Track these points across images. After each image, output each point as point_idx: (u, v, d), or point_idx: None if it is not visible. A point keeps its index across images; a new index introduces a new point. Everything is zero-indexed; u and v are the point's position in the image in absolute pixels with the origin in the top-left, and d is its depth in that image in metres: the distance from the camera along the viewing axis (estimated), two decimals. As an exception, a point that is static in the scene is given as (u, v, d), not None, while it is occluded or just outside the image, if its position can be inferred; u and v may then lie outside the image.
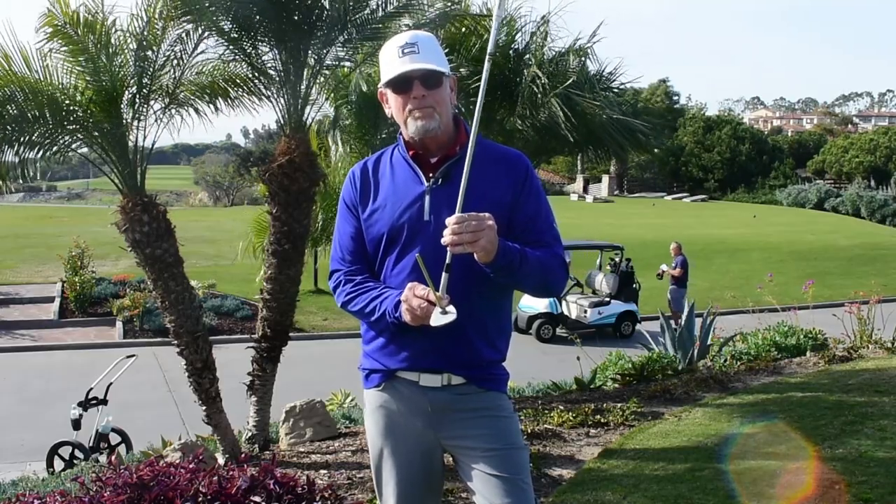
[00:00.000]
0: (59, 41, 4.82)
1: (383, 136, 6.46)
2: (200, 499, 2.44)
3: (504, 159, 2.31)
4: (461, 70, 6.22)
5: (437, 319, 2.06)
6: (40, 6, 4.74)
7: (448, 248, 2.04)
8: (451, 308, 2.07)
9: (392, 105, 2.27)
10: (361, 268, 2.33)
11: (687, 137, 49.27)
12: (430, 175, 2.25)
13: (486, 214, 2.05)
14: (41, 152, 5.04)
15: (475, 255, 2.06)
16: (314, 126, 7.92)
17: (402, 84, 2.20)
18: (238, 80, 5.70)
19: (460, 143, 2.28)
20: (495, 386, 2.31)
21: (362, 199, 2.33)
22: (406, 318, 2.11)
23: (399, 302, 2.14)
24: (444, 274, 2.07)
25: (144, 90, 5.05)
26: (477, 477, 2.26)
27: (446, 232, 2.03)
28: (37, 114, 4.87)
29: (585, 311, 14.63)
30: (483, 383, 2.29)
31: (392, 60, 2.21)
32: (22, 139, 4.89)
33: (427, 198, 2.23)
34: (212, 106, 5.70)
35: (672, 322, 14.31)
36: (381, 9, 5.47)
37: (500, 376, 2.34)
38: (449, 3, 5.91)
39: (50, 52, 4.82)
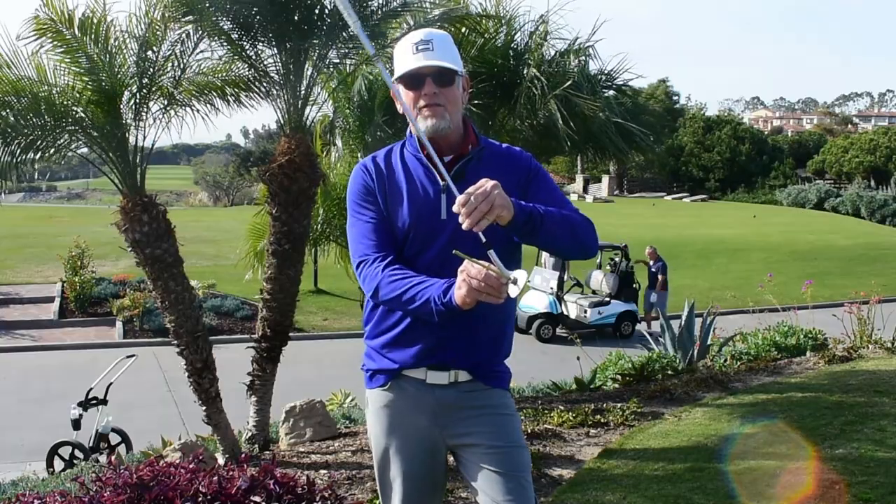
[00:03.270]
0: (54, 42, 4.82)
1: (384, 136, 6.45)
2: (200, 499, 2.44)
3: (509, 156, 2.34)
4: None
5: (514, 291, 1.98)
6: (35, 7, 4.75)
7: (474, 230, 1.96)
8: (517, 273, 1.98)
9: (403, 101, 2.25)
10: (395, 256, 2.23)
11: (687, 137, 49.24)
12: None
13: (484, 179, 1.98)
14: (40, 154, 5.04)
15: (498, 221, 1.98)
16: (316, 126, 7.93)
17: (414, 80, 2.21)
18: (238, 81, 5.70)
19: (471, 143, 2.30)
20: (499, 383, 2.33)
21: (380, 190, 2.28)
22: (461, 294, 1.99)
23: (448, 287, 2.05)
24: (489, 252, 1.97)
25: (144, 90, 5.05)
26: (480, 474, 2.27)
27: (461, 217, 1.94)
28: (34, 116, 4.87)
29: (585, 311, 14.63)
30: (489, 381, 2.30)
31: (406, 56, 2.22)
32: (20, 141, 4.89)
33: (443, 197, 2.22)
34: (212, 106, 5.70)
35: (646, 324, 14.47)
36: (381, 9, 5.47)
37: (504, 374, 2.36)
38: (449, 3, 5.92)
39: (40, 50, 4.81)
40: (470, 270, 1.97)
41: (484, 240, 1.98)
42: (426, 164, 2.26)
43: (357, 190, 2.31)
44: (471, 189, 1.95)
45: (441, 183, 2.23)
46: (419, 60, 2.19)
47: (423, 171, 2.27)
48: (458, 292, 2.00)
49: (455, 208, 1.96)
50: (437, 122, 2.20)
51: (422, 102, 2.20)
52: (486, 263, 1.96)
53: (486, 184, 1.97)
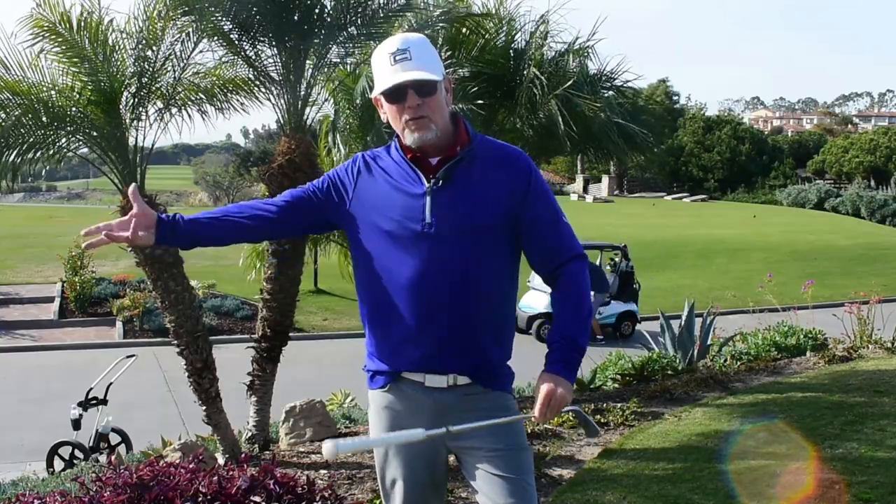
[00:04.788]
0: (52, 42, 4.81)
1: (384, 136, 6.45)
2: (200, 499, 2.44)
3: (506, 160, 2.27)
4: (462, 71, 6.22)
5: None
6: (31, 7, 4.74)
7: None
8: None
9: (387, 112, 2.24)
10: (271, 211, 2.31)
11: (687, 137, 49.22)
12: (431, 176, 2.22)
13: (547, 386, 2.11)
14: (39, 155, 5.03)
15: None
16: (319, 125, 7.93)
17: (395, 94, 2.16)
18: (238, 80, 5.71)
19: (460, 143, 2.25)
20: (500, 385, 2.30)
21: (357, 188, 2.28)
22: None
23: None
24: None
25: (143, 90, 5.05)
26: (481, 477, 2.26)
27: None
28: (33, 117, 4.87)
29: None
30: (488, 383, 2.28)
31: (384, 68, 2.17)
32: (18, 142, 4.89)
33: (427, 199, 2.19)
34: (211, 106, 5.70)
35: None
36: (382, 9, 5.46)
37: (506, 376, 2.33)
38: (451, 3, 5.91)
39: (39, 51, 4.81)
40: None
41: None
42: (412, 167, 2.24)
43: (335, 170, 2.36)
44: (541, 405, 2.11)
45: (426, 185, 2.20)
46: (398, 73, 2.14)
47: (408, 173, 2.24)
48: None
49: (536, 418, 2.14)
50: (423, 135, 2.17)
51: (406, 116, 2.17)
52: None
53: (552, 393, 2.11)
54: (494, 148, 2.30)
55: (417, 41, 2.21)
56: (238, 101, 5.81)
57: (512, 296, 2.34)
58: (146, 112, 5.13)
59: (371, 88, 6.70)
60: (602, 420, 5.60)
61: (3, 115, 4.80)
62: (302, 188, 2.36)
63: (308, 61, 5.34)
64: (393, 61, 2.15)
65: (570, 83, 6.16)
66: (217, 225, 2.29)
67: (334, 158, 8.15)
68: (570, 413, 2.21)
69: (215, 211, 2.34)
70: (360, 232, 2.27)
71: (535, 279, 15.05)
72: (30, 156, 4.98)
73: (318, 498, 2.62)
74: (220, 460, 5.23)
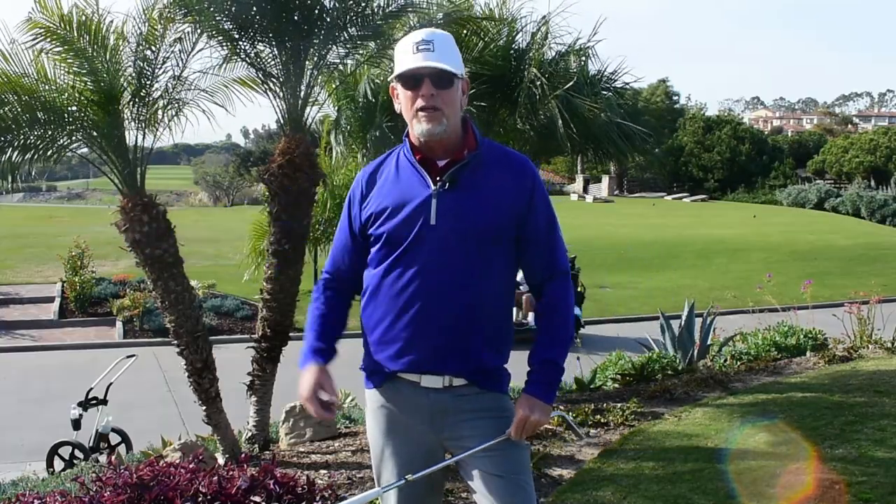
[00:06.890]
0: (53, 42, 4.81)
1: (385, 138, 6.45)
2: (200, 499, 2.44)
3: (510, 166, 2.29)
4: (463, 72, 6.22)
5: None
6: (29, 10, 4.74)
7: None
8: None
9: (401, 100, 2.25)
10: (344, 277, 2.39)
11: (687, 137, 49.20)
12: (437, 179, 2.22)
13: (523, 414, 2.21)
14: (38, 154, 5.03)
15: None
16: (324, 125, 7.94)
17: (412, 80, 2.18)
18: (238, 80, 5.71)
19: (468, 146, 2.26)
20: (496, 387, 2.31)
21: (363, 201, 2.31)
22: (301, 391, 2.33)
23: (305, 355, 2.35)
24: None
25: (144, 90, 5.05)
26: (477, 476, 2.26)
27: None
28: (33, 116, 4.86)
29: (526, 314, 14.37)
30: (484, 384, 2.29)
31: (405, 55, 2.20)
32: (18, 141, 4.88)
33: (434, 201, 2.19)
34: (212, 106, 5.70)
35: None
36: (382, 9, 5.46)
37: (502, 377, 2.34)
38: (451, 4, 5.91)
39: (42, 52, 4.81)
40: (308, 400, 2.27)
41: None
42: (419, 169, 2.25)
43: (349, 196, 2.39)
44: (516, 427, 2.22)
45: (432, 188, 2.21)
46: (418, 61, 2.16)
47: (415, 174, 2.25)
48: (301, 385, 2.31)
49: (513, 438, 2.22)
50: (433, 127, 2.18)
51: (419, 103, 2.18)
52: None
53: (526, 419, 2.21)
54: (501, 153, 2.32)
55: (442, 36, 2.25)
56: (238, 100, 5.81)
57: (511, 300, 2.35)
58: (146, 112, 5.13)
59: (372, 89, 6.72)
60: (602, 420, 5.60)
61: (4, 112, 4.79)
62: (342, 235, 2.40)
63: (308, 61, 5.34)
64: (415, 50, 2.18)
65: (570, 84, 6.16)
66: (338, 324, 2.43)
67: (334, 157, 8.15)
68: (557, 417, 2.27)
69: (325, 312, 2.41)
70: (364, 231, 2.30)
71: (518, 275, 14.91)
72: (29, 155, 4.97)
73: (318, 498, 2.62)
74: (220, 460, 5.24)
